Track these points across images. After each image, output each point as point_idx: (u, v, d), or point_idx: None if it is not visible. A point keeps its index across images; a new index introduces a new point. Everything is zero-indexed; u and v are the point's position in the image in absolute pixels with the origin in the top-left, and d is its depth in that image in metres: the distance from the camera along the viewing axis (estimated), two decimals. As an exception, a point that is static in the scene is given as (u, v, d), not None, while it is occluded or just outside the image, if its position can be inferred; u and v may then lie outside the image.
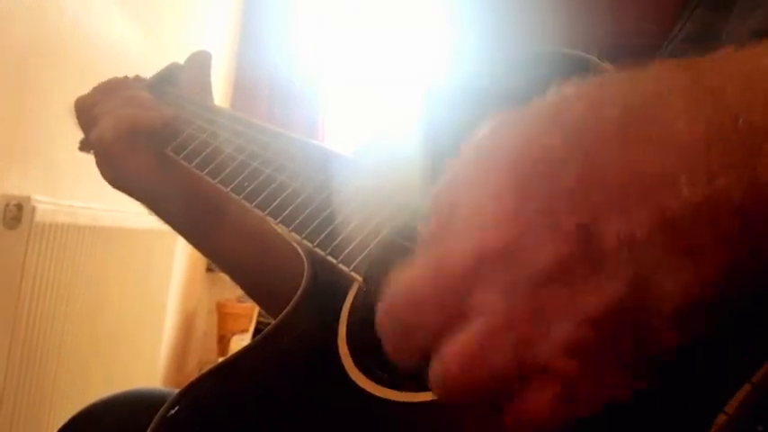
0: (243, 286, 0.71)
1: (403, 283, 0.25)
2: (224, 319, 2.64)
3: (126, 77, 0.73)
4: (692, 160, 0.21)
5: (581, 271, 0.22)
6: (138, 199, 0.67)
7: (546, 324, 0.22)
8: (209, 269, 2.60)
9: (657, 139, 0.22)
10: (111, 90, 0.69)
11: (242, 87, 2.69)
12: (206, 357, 2.62)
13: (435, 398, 0.25)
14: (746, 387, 0.24)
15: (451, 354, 0.23)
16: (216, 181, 0.56)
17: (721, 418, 0.24)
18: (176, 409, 0.41)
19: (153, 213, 0.67)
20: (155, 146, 0.63)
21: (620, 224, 0.21)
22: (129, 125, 0.62)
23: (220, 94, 2.55)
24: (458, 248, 0.24)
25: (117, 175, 0.65)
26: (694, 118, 0.22)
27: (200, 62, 0.71)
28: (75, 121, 0.69)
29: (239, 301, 2.64)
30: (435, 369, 0.24)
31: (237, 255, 0.68)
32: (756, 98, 0.22)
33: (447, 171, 0.26)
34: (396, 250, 0.41)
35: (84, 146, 0.69)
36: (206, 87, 0.70)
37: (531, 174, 0.23)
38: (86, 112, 0.67)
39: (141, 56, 1.74)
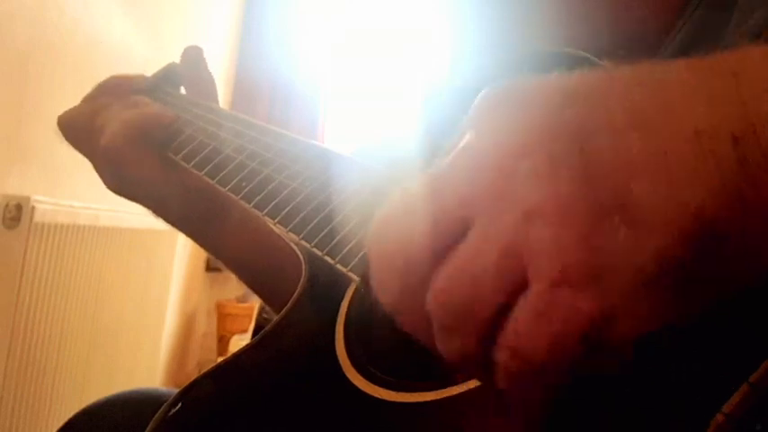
0: (249, 285, 0.71)
1: (453, 265, 0.24)
2: (223, 319, 2.64)
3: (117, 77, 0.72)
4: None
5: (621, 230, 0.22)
6: (142, 203, 0.66)
7: (600, 280, 0.22)
8: (208, 269, 2.60)
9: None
10: (102, 94, 0.68)
11: (242, 88, 2.70)
12: (205, 357, 2.62)
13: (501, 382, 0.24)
14: (744, 387, 0.24)
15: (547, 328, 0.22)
16: (214, 181, 0.56)
17: (719, 419, 0.24)
18: (176, 408, 0.41)
19: (157, 216, 0.67)
20: (158, 148, 0.63)
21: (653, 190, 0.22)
22: (138, 126, 0.61)
23: (221, 95, 2.54)
24: (502, 216, 0.23)
25: (123, 182, 0.64)
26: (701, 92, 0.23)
27: (192, 58, 0.70)
28: (65, 139, 0.68)
29: (239, 301, 2.64)
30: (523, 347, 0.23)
31: (242, 254, 0.68)
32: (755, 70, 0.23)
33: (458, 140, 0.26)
34: None
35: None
36: (207, 83, 0.70)
37: (562, 142, 0.23)
38: (84, 123, 0.66)
39: (142, 56, 1.74)
